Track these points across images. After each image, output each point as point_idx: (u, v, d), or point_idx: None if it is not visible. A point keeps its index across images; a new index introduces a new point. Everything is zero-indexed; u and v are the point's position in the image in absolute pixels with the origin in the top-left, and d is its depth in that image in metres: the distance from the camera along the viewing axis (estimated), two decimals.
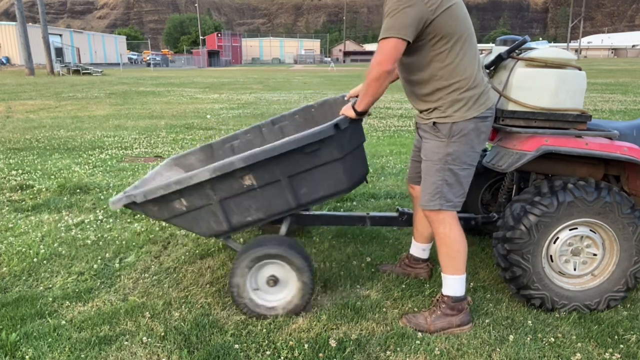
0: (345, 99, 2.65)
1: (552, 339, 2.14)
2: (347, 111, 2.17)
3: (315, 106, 3.10)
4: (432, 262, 2.76)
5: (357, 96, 2.52)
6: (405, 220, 2.83)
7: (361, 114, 2.15)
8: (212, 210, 2.23)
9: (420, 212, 2.58)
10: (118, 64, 48.98)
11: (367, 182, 2.65)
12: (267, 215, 2.26)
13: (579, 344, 2.11)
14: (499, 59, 2.38)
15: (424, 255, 2.70)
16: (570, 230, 2.27)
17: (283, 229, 2.41)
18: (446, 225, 2.18)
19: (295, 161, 2.12)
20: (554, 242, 2.28)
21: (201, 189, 2.16)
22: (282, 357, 2.01)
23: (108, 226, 3.53)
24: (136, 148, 6.50)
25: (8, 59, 44.84)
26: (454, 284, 2.21)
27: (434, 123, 2.11)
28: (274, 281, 2.27)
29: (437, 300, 2.26)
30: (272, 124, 3.11)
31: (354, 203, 4.09)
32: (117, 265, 2.88)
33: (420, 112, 2.20)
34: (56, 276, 2.74)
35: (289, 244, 2.26)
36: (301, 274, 2.23)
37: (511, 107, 2.28)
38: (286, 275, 2.28)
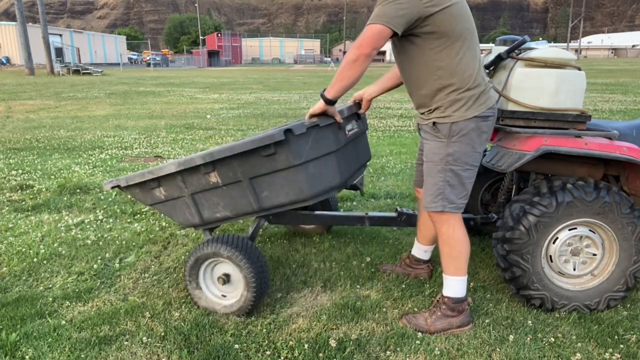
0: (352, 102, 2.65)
1: (552, 339, 2.14)
2: (316, 105, 2.12)
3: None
4: (433, 262, 2.76)
5: (361, 100, 2.52)
6: (404, 220, 2.83)
7: (331, 102, 2.08)
8: (186, 202, 2.35)
9: (424, 215, 2.57)
10: (118, 64, 48.98)
11: (362, 193, 2.62)
12: (234, 214, 2.30)
13: (579, 344, 2.11)
14: (499, 59, 2.38)
15: (426, 256, 2.70)
16: (569, 230, 2.27)
17: (250, 230, 2.49)
18: (449, 226, 2.17)
19: (253, 163, 2.12)
20: (554, 242, 2.29)
21: (173, 181, 2.30)
22: (282, 357, 2.01)
23: (108, 226, 3.53)
24: (136, 148, 6.50)
25: (8, 59, 44.85)
26: (454, 285, 2.20)
27: (434, 123, 2.09)
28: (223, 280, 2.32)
29: (438, 301, 2.26)
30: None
31: (354, 203, 4.09)
32: (117, 265, 2.88)
33: (421, 112, 2.19)
34: (56, 276, 2.74)
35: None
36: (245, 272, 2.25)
37: (511, 107, 2.28)
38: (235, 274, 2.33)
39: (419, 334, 2.17)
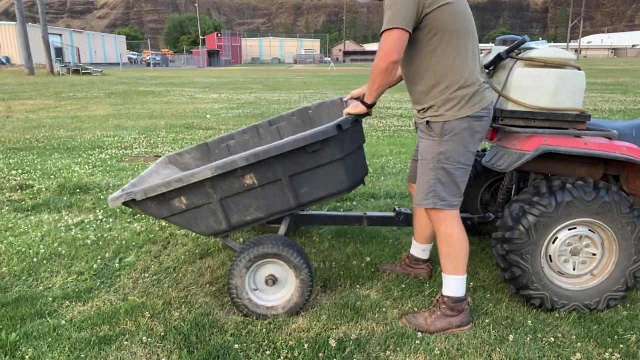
0: (345, 100, 2.67)
1: (552, 339, 2.14)
2: (355, 108, 2.20)
3: (313, 108, 3.12)
4: (433, 262, 2.76)
5: (357, 98, 2.54)
6: (403, 220, 2.83)
7: (371, 107, 2.18)
8: (212, 209, 2.23)
9: (420, 213, 2.58)
10: (118, 64, 48.99)
11: (364, 184, 2.66)
12: (266, 214, 2.27)
13: (579, 344, 2.11)
14: (499, 59, 2.38)
15: (425, 255, 2.70)
16: (569, 230, 2.27)
17: (282, 228, 2.42)
18: (447, 225, 2.18)
19: (297, 161, 2.14)
20: (553, 242, 2.29)
21: (202, 188, 2.17)
22: (282, 357, 2.02)
23: (108, 226, 3.53)
24: (136, 148, 6.50)
25: (8, 59, 44.84)
26: (454, 285, 2.20)
27: (428, 122, 2.13)
28: (272, 281, 2.28)
29: (437, 300, 2.26)
30: (269, 124, 3.13)
31: (354, 203, 4.09)
32: (117, 265, 2.88)
33: (418, 111, 2.23)
34: (56, 276, 2.74)
35: (286, 243, 2.27)
36: (299, 273, 2.24)
37: (510, 107, 2.28)
38: (285, 275, 2.29)
39: (419, 334, 2.17)
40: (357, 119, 2.24)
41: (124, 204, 2.21)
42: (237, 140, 3.13)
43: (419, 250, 2.69)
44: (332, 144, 2.11)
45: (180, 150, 3.17)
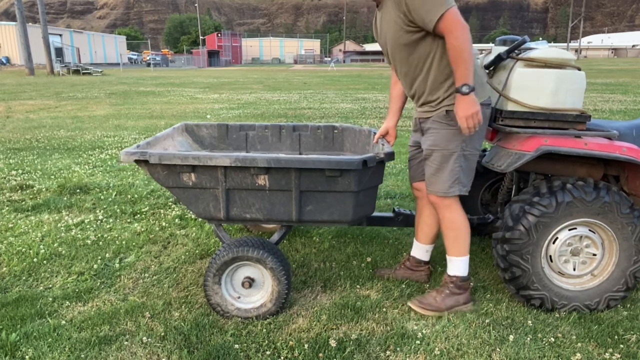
0: (374, 142, 2.63)
1: (552, 339, 2.14)
2: (465, 106, 2.03)
3: (339, 128, 3.19)
4: (433, 264, 2.76)
5: (384, 135, 2.60)
6: (402, 220, 2.84)
7: (473, 88, 2.03)
8: (216, 195, 2.25)
9: (425, 213, 2.59)
10: (118, 64, 48.98)
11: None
12: (265, 218, 2.28)
13: (579, 344, 2.11)
14: (499, 59, 2.38)
15: (427, 257, 2.69)
16: (569, 230, 2.27)
17: (276, 236, 2.43)
18: (452, 210, 2.29)
19: (313, 179, 2.16)
20: (553, 243, 2.29)
21: (214, 172, 2.18)
22: (282, 357, 2.02)
23: (108, 226, 3.54)
24: None
25: (8, 59, 44.85)
26: (460, 265, 2.33)
27: (447, 111, 2.17)
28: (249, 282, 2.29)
29: (445, 281, 2.38)
30: (293, 129, 3.18)
31: None
32: (117, 265, 2.88)
33: (427, 103, 2.25)
34: (56, 276, 2.74)
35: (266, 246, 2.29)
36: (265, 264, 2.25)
37: (510, 107, 2.28)
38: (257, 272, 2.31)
39: (419, 333, 2.17)
40: (383, 161, 2.21)
41: (135, 161, 2.20)
42: (256, 133, 3.19)
43: (422, 251, 2.68)
44: (351, 176, 2.14)
45: (199, 122, 3.20)
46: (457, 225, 2.30)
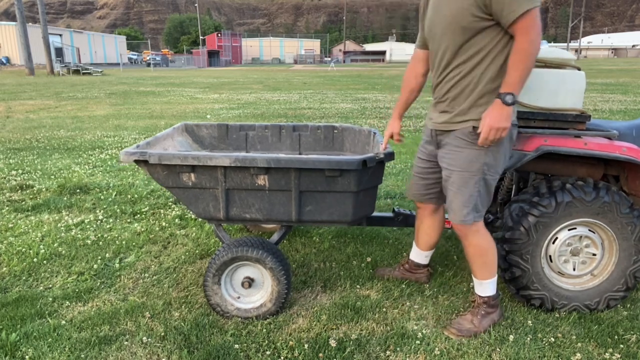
0: (383, 148, 2.37)
1: (552, 339, 2.14)
2: (499, 115, 1.84)
3: (339, 128, 3.18)
4: (433, 264, 2.76)
5: (391, 137, 2.42)
6: (401, 220, 2.84)
7: (515, 102, 1.87)
8: (216, 195, 2.25)
9: (426, 223, 2.52)
10: (118, 64, 48.97)
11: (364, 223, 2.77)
12: (265, 218, 2.28)
13: (579, 344, 2.11)
14: None
15: (426, 261, 2.65)
16: (569, 230, 2.27)
17: (275, 236, 2.43)
18: (479, 236, 2.12)
19: (313, 180, 2.16)
20: (553, 243, 2.29)
21: (214, 172, 2.18)
22: (282, 357, 2.02)
23: (108, 226, 3.54)
24: None
25: (8, 59, 44.84)
26: (490, 286, 2.21)
27: (474, 127, 1.96)
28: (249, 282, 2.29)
29: (476, 302, 2.25)
30: (293, 129, 3.18)
31: None
32: (117, 265, 2.88)
33: (451, 112, 2.02)
34: (56, 276, 2.74)
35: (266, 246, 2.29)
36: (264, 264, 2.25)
37: None
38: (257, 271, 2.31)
39: (419, 334, 2.17)
40: (383, 161, 2.19)
41: (135, 161, 2.20)
42: (256, 133, 3.19)
43: (422, 257, 2.63)
44: (351, 176, 2.13)
45: (199, 122, 3.20)
46: (484, 250, 2.13)
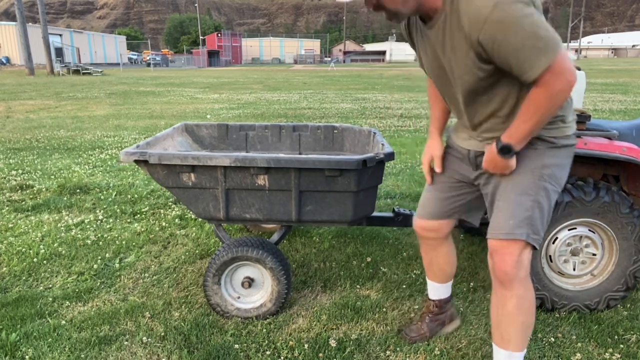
0: (428, 182, 2.24)
1: (552, 339, 2.14)
2: (494, 161, 1.59)
3: (339, 129, 3.18)
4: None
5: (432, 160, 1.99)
6: (401, 220, 2.83)
7: (515, 154, 1.58)
8: (216, 195, 2.25)
9: (443, 249, 2.06)
10: (118, 64, 48.98)
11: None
12: (265, 218, 2.28)
13: (579, 344, 2.11)
14: None
15: (449, 291, 2.20)
16: (569, 230, 2.27)
17: (275, 236, 2.43)
18: (527, 282, 1.63)
19: (313, 179, 2.16)
20: (553, 243, 2.29)
21: (214, 172, 2.18)
22: (282, 357, 2.02)
23: (108, 226, 3.54)
24: None
25: (8, 59, 44.85)
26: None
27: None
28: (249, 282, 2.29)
29: None
30: (293, 129, 3.19)
31: None
32: (117, 265, 2.88)
33: (496, 132, 1.65)
34: (56, 276, 2.74)
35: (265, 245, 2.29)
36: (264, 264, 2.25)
37: None
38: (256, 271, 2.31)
39: None
40: (383, 161, 2.18)
41: (135, 161, 2.20)
42: (256, 133, 3.19)
43: (444, 288, 2.17)
44: (351, 175, 2.14)
45: (199, 122, 3.20)
46: (528, 306, 1.65)
